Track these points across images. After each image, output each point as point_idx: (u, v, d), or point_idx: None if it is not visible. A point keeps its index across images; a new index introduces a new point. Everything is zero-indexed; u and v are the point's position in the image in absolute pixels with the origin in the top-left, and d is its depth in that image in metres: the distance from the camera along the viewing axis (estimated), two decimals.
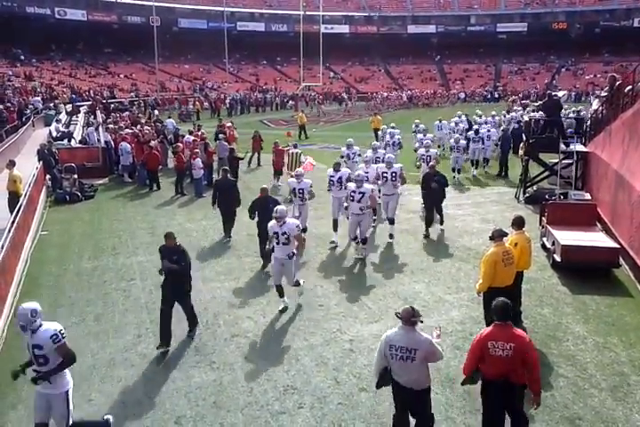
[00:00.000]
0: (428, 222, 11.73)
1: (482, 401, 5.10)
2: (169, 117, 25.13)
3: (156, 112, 33.18)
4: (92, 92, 41.77)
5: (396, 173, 11.28)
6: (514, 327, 4.85)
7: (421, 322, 4.81)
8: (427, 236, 11.60)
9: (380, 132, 21.54)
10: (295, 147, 16.66)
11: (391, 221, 11.41)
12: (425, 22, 69.59)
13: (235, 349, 7.05)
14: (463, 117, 23.01)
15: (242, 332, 7.55)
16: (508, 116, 24.01)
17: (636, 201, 9.35)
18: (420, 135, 18.85)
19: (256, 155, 20.05)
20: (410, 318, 4.73)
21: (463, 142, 17.11)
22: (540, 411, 5.69)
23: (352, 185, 10.21)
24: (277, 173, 16.71)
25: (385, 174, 11.30)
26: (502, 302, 4.86)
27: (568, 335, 7.33)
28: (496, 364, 4.76)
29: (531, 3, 67.30)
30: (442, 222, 12.10)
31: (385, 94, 54.02)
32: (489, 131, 18.72)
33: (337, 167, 11.53)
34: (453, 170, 16.99)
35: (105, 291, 8.99)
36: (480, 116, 23.38)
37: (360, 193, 10.01)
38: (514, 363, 4.71)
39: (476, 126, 19.64)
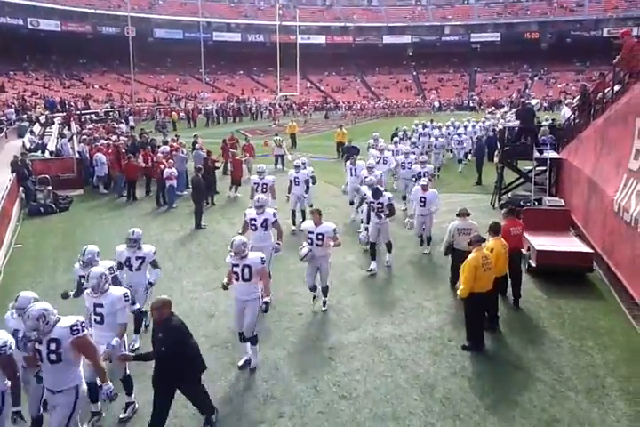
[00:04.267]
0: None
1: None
2: (121, 122, 24.58)
3: (131, 120, 32.99)
4: (66, 103, 41.33)
5: (322, 234, 8.00)
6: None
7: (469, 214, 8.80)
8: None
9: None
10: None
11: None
12: (400, 32, 70.45)
13: (214, 359, 6.98)
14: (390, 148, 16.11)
15: (221, 342, 7.50)
16: (484, 124, 24.28)
17: (607, 206, 9.54)
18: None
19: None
20: (465, 214, 8.65)
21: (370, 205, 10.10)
22: (518, 414, 5.79)
23: None
24: (236, 183, 16.24)
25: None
26: (508, 209, 9.07)
27: (544, 339, 7.42)
28: (514, 240, 8.25)
29: (503, 13, 68.58)
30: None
31: (353, 104, 52.02)
32: (422, 175, 12.16)
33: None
34: (372, 247, 10.11)
35: (80, 304, 8.83)
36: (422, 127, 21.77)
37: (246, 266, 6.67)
38: (521, 238, 8.72)
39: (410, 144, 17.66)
